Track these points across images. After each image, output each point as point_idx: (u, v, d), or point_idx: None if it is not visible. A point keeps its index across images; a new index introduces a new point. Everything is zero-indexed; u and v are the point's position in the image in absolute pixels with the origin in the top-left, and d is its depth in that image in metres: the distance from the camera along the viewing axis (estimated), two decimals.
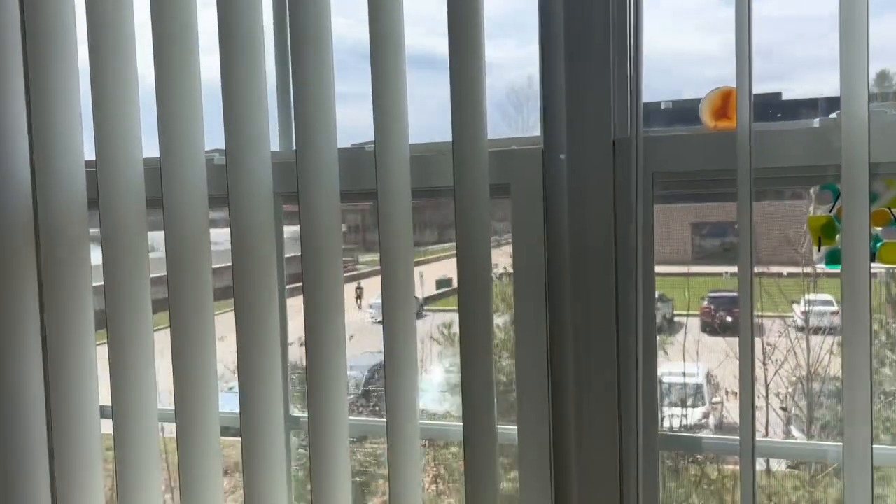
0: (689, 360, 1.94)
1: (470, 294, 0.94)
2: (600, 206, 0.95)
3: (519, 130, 1.13)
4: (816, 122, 0.93)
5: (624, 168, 0.95)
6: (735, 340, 0.92)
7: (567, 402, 0.98)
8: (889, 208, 0.93)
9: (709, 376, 2.01)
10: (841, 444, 0.88)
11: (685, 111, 1.07)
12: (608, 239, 0.95)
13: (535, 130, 1.01)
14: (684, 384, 2.00)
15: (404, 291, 0.97)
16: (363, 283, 2.05)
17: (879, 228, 0.94)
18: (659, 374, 1.30)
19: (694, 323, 2.00)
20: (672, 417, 1.93)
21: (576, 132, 0.96)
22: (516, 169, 0.97)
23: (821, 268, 1.02)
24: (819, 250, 0.93)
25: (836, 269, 0.94)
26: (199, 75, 1.02)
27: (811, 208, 0.96)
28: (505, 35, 1.14)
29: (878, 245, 0.94)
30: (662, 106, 1.61)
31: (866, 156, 0.87)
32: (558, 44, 0.95)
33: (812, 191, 0.97)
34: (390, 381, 0.96)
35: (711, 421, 1.99)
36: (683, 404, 1.98)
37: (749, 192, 0.88)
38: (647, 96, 1.01)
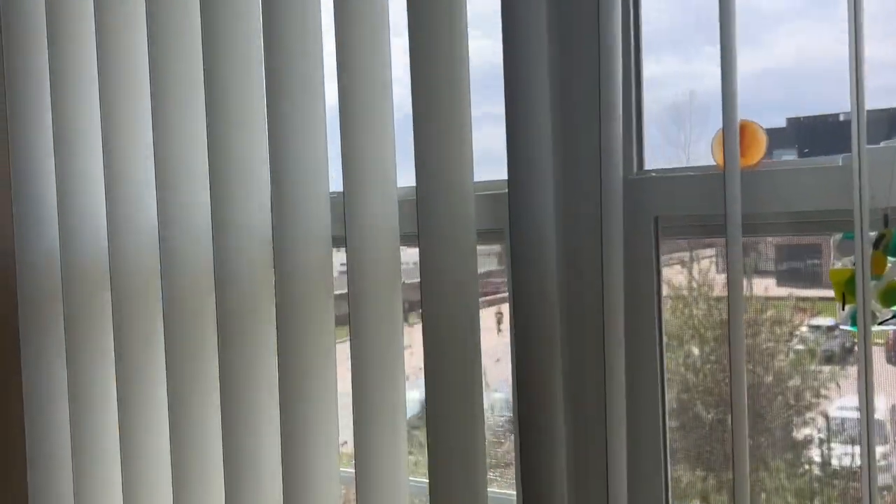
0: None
1: None
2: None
3: (680, 149, 1.17)
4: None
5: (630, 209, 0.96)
6: None
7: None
8: None
9: (894, 411, 1.74)
10: None
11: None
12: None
13: (699, 146, 1.04)
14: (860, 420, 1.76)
15: None
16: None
17: None
18: (833, 407, 1.27)
19: (878, 353, 1.74)
20: (844, 457, 1.72)
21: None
22: None
23: None
24: (843, 309, 0.85)
25: (854, 330, 0.86)
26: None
27: (831, 260, 0.88)
28: (664, 50, 1.16)
29: None
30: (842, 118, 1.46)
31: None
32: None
33: (832, 240, 0.89)
34: None
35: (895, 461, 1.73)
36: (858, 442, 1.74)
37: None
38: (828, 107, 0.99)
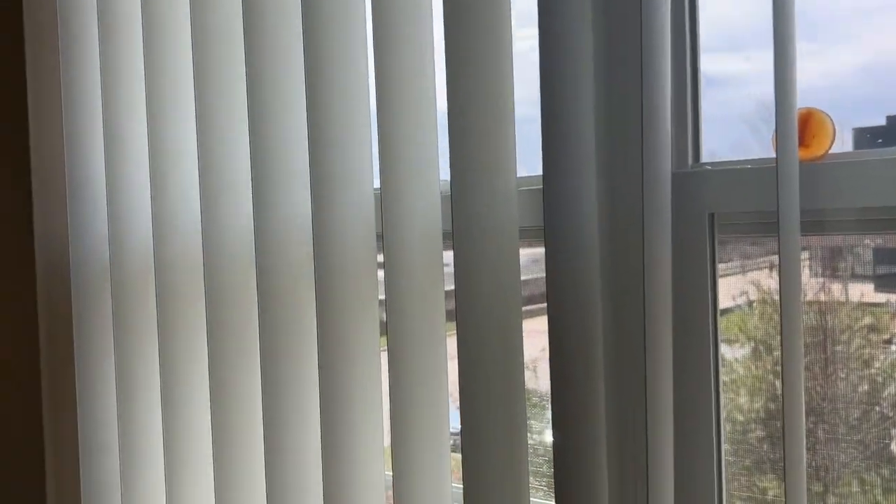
0: None
1: None
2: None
3: (766, 148, 1.12)
4: None
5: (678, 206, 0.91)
6: None
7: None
8: None
9: None
10: None
11: None
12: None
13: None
14: None
15: None
16: None
17: None
18: None
19: None
20: None
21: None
22: None
23: None
24: None
25: None
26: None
27: None
28: (751, 47, 1.13)
29: None
30: None
31: None
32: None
33: None
34: None
35: None
36: None
37: None
38: None
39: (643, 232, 0.85)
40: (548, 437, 1.32)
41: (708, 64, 1.03)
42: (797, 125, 0.84)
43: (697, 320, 0.92)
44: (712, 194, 0.90)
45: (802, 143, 0.84)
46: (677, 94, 0.91)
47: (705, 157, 0.97)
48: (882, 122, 0.96)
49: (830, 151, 0.85)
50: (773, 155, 0.80)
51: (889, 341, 1.16)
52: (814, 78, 1.02)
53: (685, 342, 0.92)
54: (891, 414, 1.18)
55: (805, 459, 0.84)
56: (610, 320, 0.93)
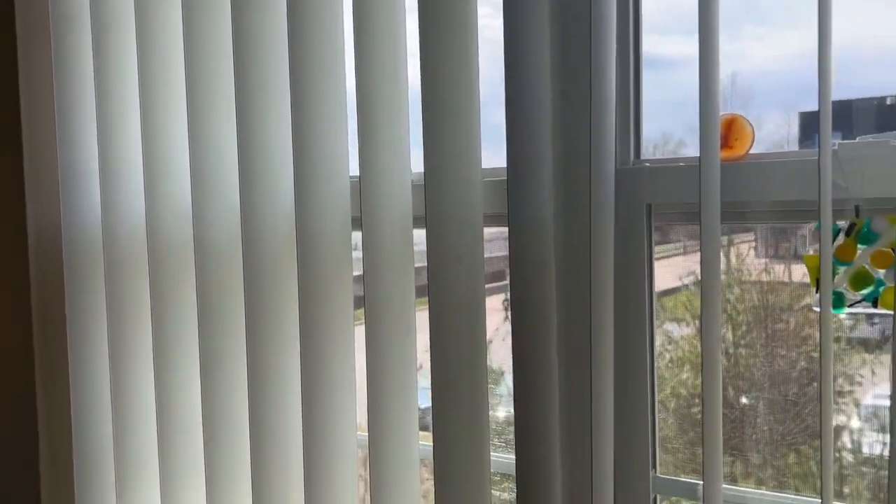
0: None
1: None
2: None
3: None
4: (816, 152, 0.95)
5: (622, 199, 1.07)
6: None
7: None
8: (893, 249, 0.91)
9: None
10: None
11: None
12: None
13: None
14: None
15: None
16: None
17: (882, 271, 0.93)
18: (867, 395, 1.36)
19: None
20: (875, 444, 1.77)
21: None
22: None
23: None
24: (817, 292, 0.95)
25: (841, 314, 0.96)
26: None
27: (808, 247, 0.98)
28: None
29: (881, 289, 0.93)
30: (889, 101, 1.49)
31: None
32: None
33: (809, 228, 0.98)
34: None
35: None
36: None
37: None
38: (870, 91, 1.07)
39: (590, 220, 1.01)
40: (500, 412, 1.50)
41: (660, 47, 1.17)
42: (722, 130, 1.01)
43: (638, 299, 1.09)
44: (649, 188, 1.06)
45: (727, 144, 1.01)
46: (622, 93, 1.07)
47: (659, 138, 1.15)
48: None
49: (751, 152, 1.02)
50: None
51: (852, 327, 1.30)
52: (761, 62, 1.17)
53: (627, 319, 1.09)
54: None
55: (721, 431, 1.00)
56: (562, 298, 1.09)
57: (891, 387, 0.88)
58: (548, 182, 1.06)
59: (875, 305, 0.93)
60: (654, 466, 1.12)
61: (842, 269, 0.94)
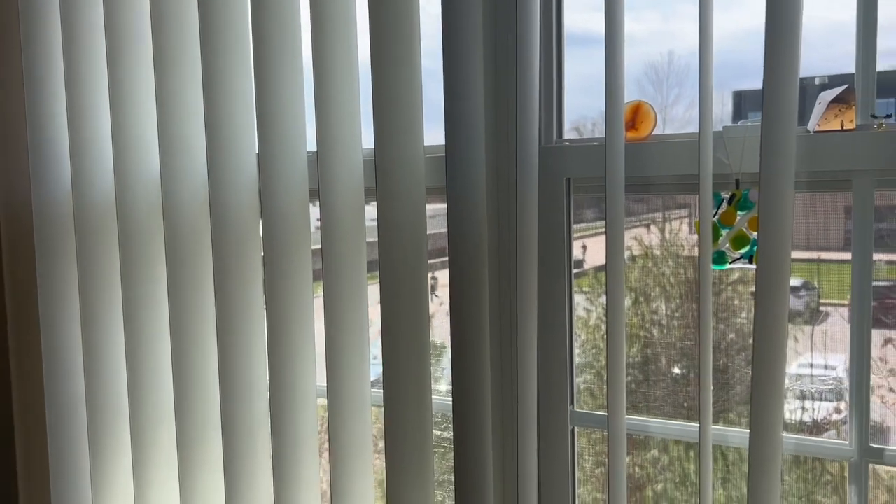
0: (833, 352, 1.95)
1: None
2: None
3: (659, 108, 1.34)
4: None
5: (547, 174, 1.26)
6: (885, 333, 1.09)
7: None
8: None
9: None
10: None
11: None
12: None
13: (676, 109, 1.24)
14: (821, 378, 2.01)
15: None
16: None
17: (755, 233, 1.13)
18: (794, 365, 1.53)
19: (842, 313, 1.98)
20: (797, 411, 1.96)
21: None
22: None
23: None
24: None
25: (722, 269, 1.16)
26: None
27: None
28: (646, 7, 1.27)
29: (755, 248, 1.13)
30: (817, 81, 1.68)
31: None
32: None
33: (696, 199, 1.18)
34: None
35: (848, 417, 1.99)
36: (814, 398, 2.00)
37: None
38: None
39: (517, 193, 1.20)
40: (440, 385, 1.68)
41: (583, 24, 1.27)
42: (628, 115, 1.20)
43: (558, 268, 1.28)
44: (569, 164, 1.26)
45: (633, 127, 1.20)
46: (547, 73, 1.25)
47: (578, 118, 1.31)
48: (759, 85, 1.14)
49: (653, 134, 1.21)
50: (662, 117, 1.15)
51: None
52: (697, 41, 1.25)
53: (548, 287, 1.28)
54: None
55: (624, 397, 1.18)
56: (494, 268, 1.28)
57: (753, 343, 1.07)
58: (481, 158, 1.24)
59: (751, 262, 1.13)
60: (572, 402, 1.31)
61: (724, 232, 1.14)
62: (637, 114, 1.20)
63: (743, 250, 1.14)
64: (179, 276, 1.51)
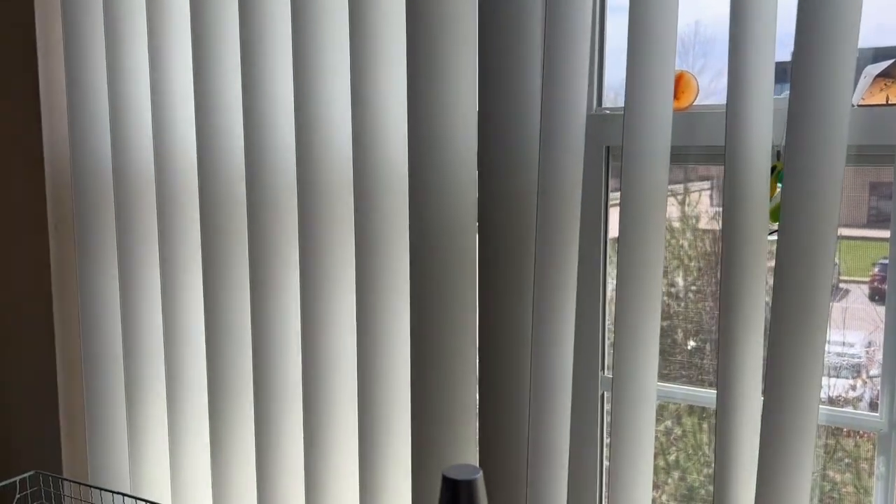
0: (852, 329, 1.98)
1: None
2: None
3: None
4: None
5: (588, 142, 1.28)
6: None
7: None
8: None
9: (870, 346, 2.00)
10: None
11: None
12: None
13: (702, 79, 1.22)
14: (841, 354, 2.04)
15: None
16: None
17: None
18: None
19: (864, 290, 2.01)
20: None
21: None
22: None
23: None
24: None
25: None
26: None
27: None
28: None
29: None
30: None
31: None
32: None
33: None
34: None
35: (866, 394, 2.02)
36: (835, 374, 2.03)
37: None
38: None
39: (561, 160, 1.22)
40: None
41: None
42: (676, 83, 1.21)
43: (594, 236, 1.30)
44: (609, 132, 1.27)
45: (675, 97, 1.22)
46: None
47: (620, 84, 1.26)
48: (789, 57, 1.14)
49: (695, 104, 1.23)
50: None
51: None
52: (725, 10, 1.17)
53: (583, 254, 1.30)
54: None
55: (658, 335, 1.21)
56: (541, 229, 1.29)
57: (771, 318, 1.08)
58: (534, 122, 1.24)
59: None
60: (603, 369, 1.34)
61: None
62: (679, 83, 1.21)
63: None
64: (214, 236, 1.54)
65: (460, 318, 1.32)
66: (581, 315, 1.31)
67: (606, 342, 1.34)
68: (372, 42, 1.33)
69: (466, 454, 1.35)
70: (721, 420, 1.13)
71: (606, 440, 1.36)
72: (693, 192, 1.47)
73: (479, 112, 1.24)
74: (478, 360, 1.31)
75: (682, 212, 1.52)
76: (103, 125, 1.68)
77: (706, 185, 1.47)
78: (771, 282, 1.08)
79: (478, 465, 1.29)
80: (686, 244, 1.59)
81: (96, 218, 1.69)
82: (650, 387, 1.21)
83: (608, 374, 1.35)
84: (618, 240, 1.18)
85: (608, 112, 1.28)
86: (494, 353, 1.28)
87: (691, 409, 1.61)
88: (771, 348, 1.07)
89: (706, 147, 1.21)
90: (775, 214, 1.15)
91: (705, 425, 1.78)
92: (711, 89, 1.28)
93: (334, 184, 1.42)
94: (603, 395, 1.34)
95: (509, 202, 1.25)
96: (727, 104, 1.08)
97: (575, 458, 1.35)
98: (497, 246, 1.26)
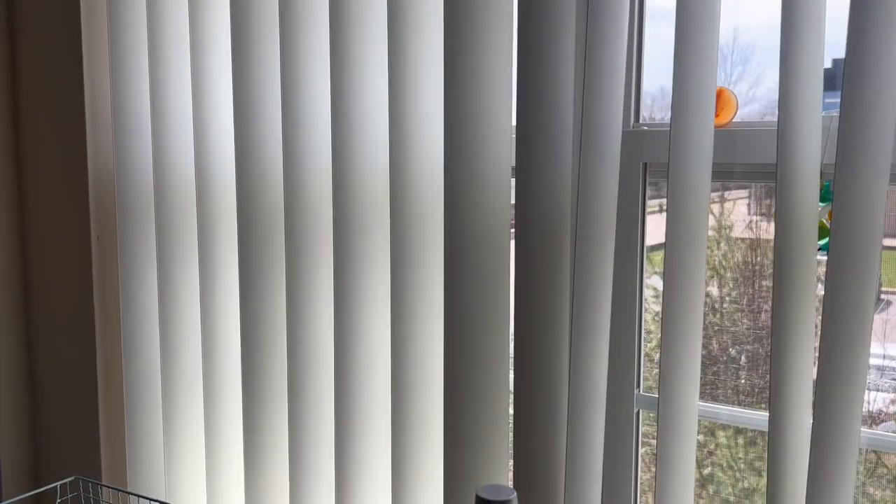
0: (894, 341, 1.93)
1: None
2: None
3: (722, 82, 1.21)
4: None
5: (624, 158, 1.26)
6: None
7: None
8: None
9: None
10: None
11: None
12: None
13: (739, 87, 1.22)
14: (881, 367, 2.00)
15: None
16: None
17: None
18: None
19: None
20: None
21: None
22: None
23: None
24: None
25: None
26: None
27: None
28: None
29: None
30: None
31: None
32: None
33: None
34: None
35: None
36: (877, 388, 1.98)
37: None
38: None
39: (597, 177, 1.21)
40: None
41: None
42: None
43: (630, 251, 1.28)
44: (646, 148, 1.26)
45: (714, 114, 1.20)
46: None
47: (658, 92, 1.27)
48: (829, 64, 1.14)
49: (734, 120, 1.21)
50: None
51: (818, 279, 1.46)
52: (764, 17, 1.20)
53: (619, 270, 1.28)
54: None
55: (700, 350, 1.19)
56: (574, 242, 1.29)
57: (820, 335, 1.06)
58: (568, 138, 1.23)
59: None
60: (638, 385, 1.33)
61: None
62: (718, 100, 1.19)
63: (822, 242, 1.13)
64: (251, 246, 1.55)
65: (492, 332, 1.32)
66: (617, 332, 1.30)
67: (642, 358, 1.33)
68: (409, 52, 1.32)
69: (497, 473, 1.34)
70: (773, 437, 1.11)
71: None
72: (727, 200, 1.48)
73: (517, 123, 1.23)
74: (513, 377, 1.30)
75: (719, 221, 1.51)
76: (146, 137, 1.69)
77: (744, 193, 1.47)
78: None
79: (512, 485, 1.29)
80: (720, 255, 1.57)
81: (138, 229, 1.71)
82: (693, 405, 1.20)
83: (643, 391, 1.33)
84: (664, 258, 1.16)
85: (646, 128, 1.27)
86: (530, 370, 1.28)
87: (725, 424, 1.59)
88: (821, 363, 1.05)
89: (747, 164, 1.19)
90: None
91: (740, 439, 1.75)
92: (749, 97, 1.26)
93: (368, 195, 1.42)
94: (638, 412, 1.33)
95: (545, 217, 1.24)
96: (779, 121, 1.06)
97: (609, 478, 1.34)
98: (532, 261, 1.25)
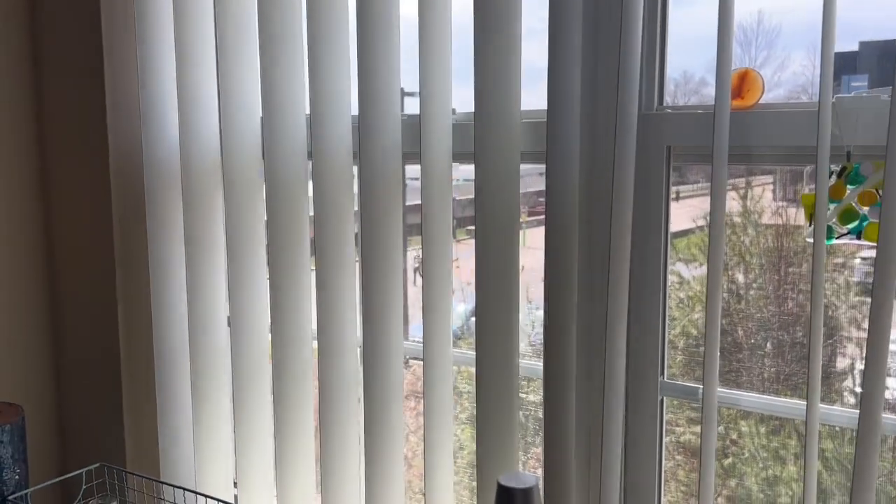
0: None
1: None
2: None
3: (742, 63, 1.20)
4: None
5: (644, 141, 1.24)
6: None
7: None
8: (876, 189, 1.08)
9: None
10: None
11: None
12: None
13: (764, 71, 1.19)
14: None
15: None
16: None
17: (867, 208, 1.10)
18: None
19: None
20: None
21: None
22: None
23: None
24: (810, 226, 1.12)
25: (829, 244, 1.13)
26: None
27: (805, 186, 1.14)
28: None
29: (865, 224, 1.10)
30: None
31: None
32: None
33: (806, 170, 1.15)
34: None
35: None
36: None
37: None
38: None
39: (614, 160, 1.19)
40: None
41: None
42: (736, 81, 1.17)
43: (654, 236, 1.26)
44: (670, 131, 1.23)
45: (739, 95, 1.17)
46: (649, 35, 1.22)
47: (681, 77, 1.27)
48: (855, 47, 1.13)
49: (760, 102, 1.18)
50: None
51: (843, 265, 1.37)
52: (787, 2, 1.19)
53: (643, 255, 1.26)
54: (837, 333, 1.40)
55: (717, 367, 1.16)
56: (584, 230, 1.27)
57: (868, 325, 1.04)
58: (576, 123, 1.22)
59: (859, 238, 1.10)
60: (662, 372, 1.31)
61: (832, 206, 1.11)
62: (744, 81, 1.16)
63: (851, 225, 1.10)
64: (277, 227, 1.55)
65: (505, 319, 1.30)
66: (642, 319, 1.28)
67: (666, 345, 1.31)
68: (434, 48, 1.31)
69: (510, 461, 1.33)
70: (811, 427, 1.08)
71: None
72: (755, 186, 1.43)
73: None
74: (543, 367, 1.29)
75: (744, 206, 1.47)
76: (173, 117, 1.70)
77: (769, 178, 1.44)
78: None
79: (540, 473, 1.28)
80: (747, 240, 1.54)
81: (166, 211, 1.72)
82: (713, 392, 1.18)
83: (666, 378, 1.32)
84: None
85: (669, 111, 1.24)
86: (557, 360, 1.26)
87: (748, 413, 1.57)
88: (869, 352, 1.02)
89: (778, 147, 1.16)
90: (844, 217, 1.10)
91: (763, 428, 1.72)
92: (775, 81, 1.23)
93: (392, 185, 1.42)
94: (662, 400, 1.31)
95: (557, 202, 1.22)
96: (819, 102, 1.03)
97: (633, 466, 1.32)
98: (558, 247, 1.24)
